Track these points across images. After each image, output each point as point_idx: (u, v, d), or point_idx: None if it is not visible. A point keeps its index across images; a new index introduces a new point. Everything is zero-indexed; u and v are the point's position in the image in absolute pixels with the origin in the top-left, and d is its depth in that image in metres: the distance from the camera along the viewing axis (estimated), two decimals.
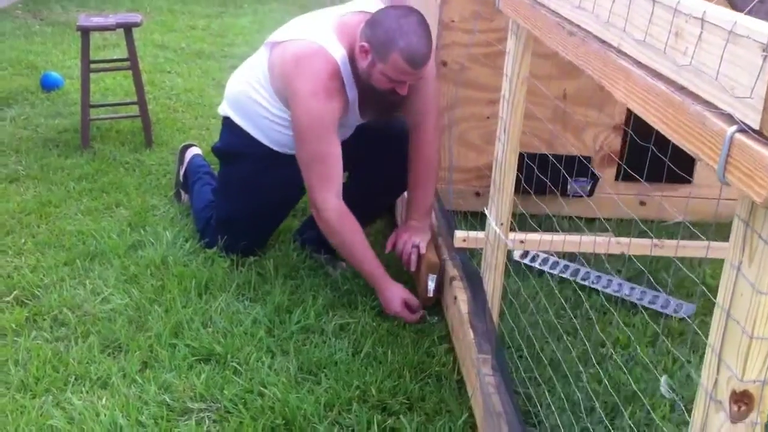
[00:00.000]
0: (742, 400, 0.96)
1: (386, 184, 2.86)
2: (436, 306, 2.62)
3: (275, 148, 2.76)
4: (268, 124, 2.72)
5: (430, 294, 2.58)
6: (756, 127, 0.86)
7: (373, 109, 2.67)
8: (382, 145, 2.79)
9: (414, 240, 2.68)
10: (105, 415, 2.05)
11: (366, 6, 2.61)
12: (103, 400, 2.13)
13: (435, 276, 2.56)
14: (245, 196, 2.81)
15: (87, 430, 2.00)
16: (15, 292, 2.60)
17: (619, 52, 1.22)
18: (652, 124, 1.09)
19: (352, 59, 2.52)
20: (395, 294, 2.56)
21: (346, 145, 2.64)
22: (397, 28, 2.39)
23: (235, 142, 2.83)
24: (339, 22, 2.57)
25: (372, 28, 2.45)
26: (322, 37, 2.53)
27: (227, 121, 2.87)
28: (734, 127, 0.89)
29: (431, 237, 2.74)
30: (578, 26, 1.41)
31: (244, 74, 2.82)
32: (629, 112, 3.07)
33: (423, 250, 2.66)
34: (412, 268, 2.68)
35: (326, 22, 2.58)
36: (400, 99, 2.58)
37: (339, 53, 2.51)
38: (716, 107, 0.94)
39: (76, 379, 2.21)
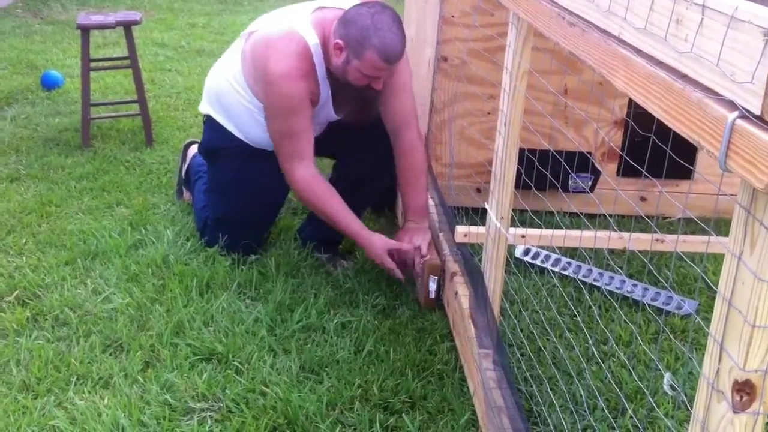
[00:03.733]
0: (744, 390, 0.95)
1: (370, 171, 2.87)
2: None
3: (256, 146, 2.77)
4: (245, 118, 2.73)
5: (432, 295, 2.58)
6: (757, 112, 0.85)
7: (348, 103, 2.69)
8: (363, 133, 2.80)
9: (414, 241, 2.68)
10: (107, 415, 2.04)
11: (342, 2, 2.64)
12: (105, 400, 2.12)
13: (436, 278, 2.56)
14: (234, 193, 2.82)
15: (89, 430, 2.00)
16: (16, 292, 2.60)
17: (620, 41, 1.22)
18: (652, 112, 1.08)
19: (325, 51, 2.56)
20: (377, 244, 2.62)
21: (326, 137, 2.66)
22: (371, 25, 2.44)
23: (217, 139, 2.84)
24: (315, 14, 2.61)
25: (346, 26, 2.48)
26: (296, 24, 2.57)
27: (208, 119, 2.88)
28: (735, 113, 0.88)
29: (431, 236, 2.74)
30: (578, 16, 1.40)
31: (219, 69, 2.84)
32: (630, 107, 3.06)
33: (424, 251, 2.66)
34: (417, 270, 2.67)
35: (302, 13, 2.63)
36: (375, 93, 2.61)
37: (313, 41, 2.55)
38: (717, 94, 0.93)
39: (77, 379, 2.20)
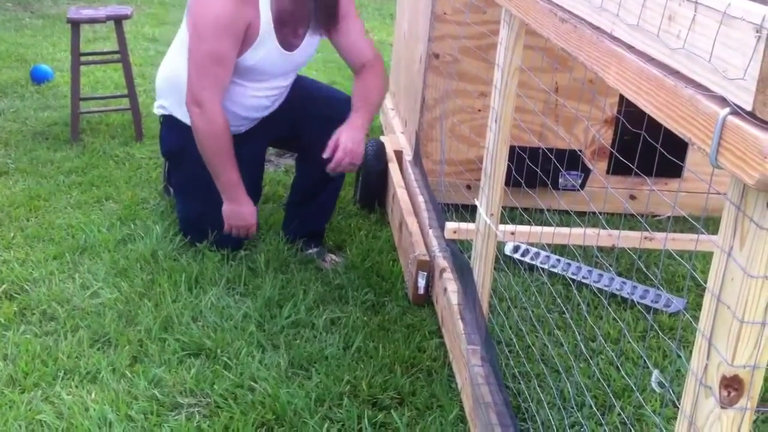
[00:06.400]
0: (732, 386, 0.95)
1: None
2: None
3: None
4: None
5: (421, 291, 2.58)
6: (749, 108, 0.86)
7: (294, 33, 2.66)
8: (323, 121, 2.78)
9: (341, 134, 2.66)
10: (94, 410, 2.03)
11: None
12: (93, 394, 2.11)
13: (425, 273, 2.56)
14: (203, 193, 2.77)
15: (76, 424, 1.99)
16: (3, 286, 2.58)
17: (612, 37, 1.22)
18: (644, 108, 1.08)
19: None
20: (253, 210, 2.69)
21: (291, 125, 2.71)
22: None
23: (176, 139, 2.80)
24: None
25: None
26: None
27: (164, 120, 2.86)
28: (727, 109, 0.89)
29: (419, 223, 2.77)
30: (570, 12, 1.40)
31: (169, 58, 2.82)
32: (621, 105, 3.07)
33: (342, 145, 2.64)
34: (327, 153, 2.67)
35: None
36: (331, 5, 2.62)
37: None
38: (709, 90, 0.93)
39: (65, 373, 2.19)
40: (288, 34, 2.66)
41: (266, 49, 2.62)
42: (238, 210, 2.69)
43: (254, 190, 2.92)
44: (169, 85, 2.79)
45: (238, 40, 2.52)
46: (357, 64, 2.79)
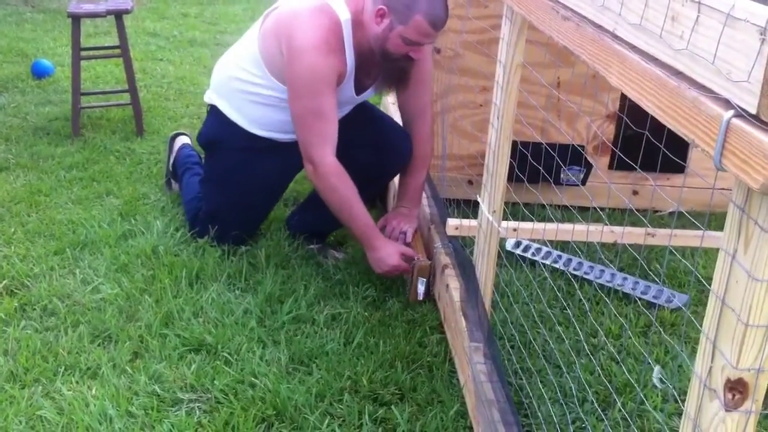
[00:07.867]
0: (737, 389, 0.95)
1: (373, 169, 2.83)
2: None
3: (262, 133, 2.73)
4: (256, 105, 2.68)
5: (420, 297, 2.57)
6: (753, 111, 0.85)
7: (367, 82, 2.65)
8: (364, 131, 2.76)
9: (402, 226, 2.69)
10: (95, 406, 2.04)
11: None
12: (93, 390, 2.11)
13: (425, 280, 2.55)
14: (231, 187, 2.79)
15: (77, 420, 1.99)
16: (4, 282, 2.58)
17: (615, 36, 1.21)
18: (646, 109, 1.08)
19: (355, 26, 2.49)
20: (392, 250, 2.57)
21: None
22: None
23: (220, 131, 2.79)
24: None
25: None
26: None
27: (212, 109, 2.84)
28: (731, 112, 0.88)
29: (418, 227, 2.76)
30: (573, 10, 1.39)
31: (231, 56, 2.79)
32: (623, 101, 3.06)
33: (409, 238, 2.68)
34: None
35: None
36: (402, 70, 2.57)
37: (344, 16, 2.48)
38: (713, 92, 0.92)
39: (65, 369, 2.19)
40: (363, 79, 2.64)
41: (342, 91, 2.60)
42: (378, 257, 2.58)
43: (275, 195, 2.92)
44: (222, 84, 2.78)
45: (334, 90, 2.50)
46: (406, 117, 2.79)
